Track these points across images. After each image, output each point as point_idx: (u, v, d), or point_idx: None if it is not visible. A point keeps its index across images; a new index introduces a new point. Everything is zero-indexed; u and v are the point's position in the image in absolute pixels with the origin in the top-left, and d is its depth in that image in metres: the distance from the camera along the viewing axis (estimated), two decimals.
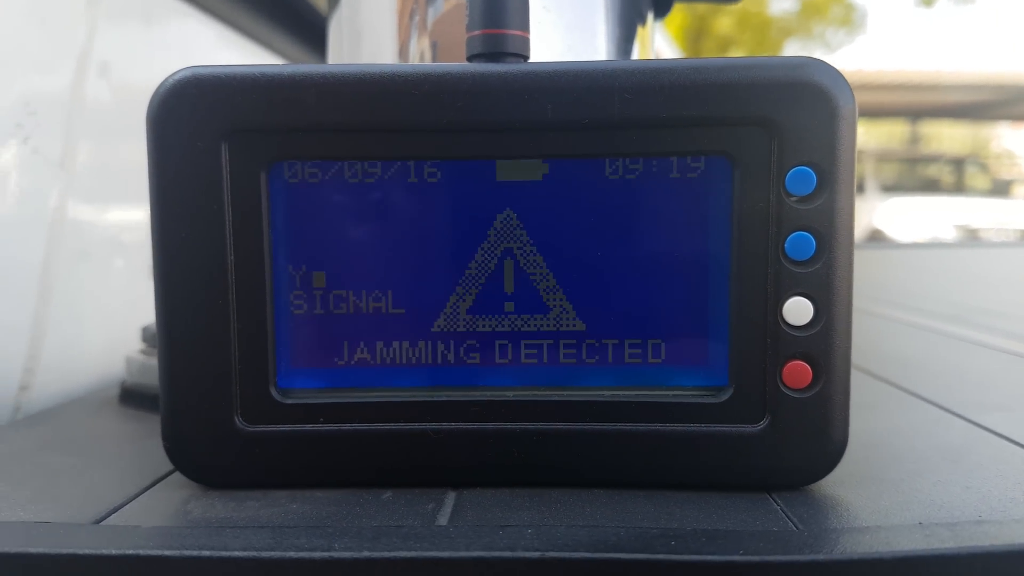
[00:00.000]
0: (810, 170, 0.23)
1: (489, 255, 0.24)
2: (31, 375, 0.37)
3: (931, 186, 8.65)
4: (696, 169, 0.23)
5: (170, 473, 0.26)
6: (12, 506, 0.23)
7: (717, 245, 0.24)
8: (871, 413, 0.33)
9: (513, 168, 0.24)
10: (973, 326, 0.62)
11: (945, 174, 8.96)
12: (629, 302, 0.24)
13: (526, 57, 0.25)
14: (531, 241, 0.24)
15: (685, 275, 0.24)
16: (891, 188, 8.51)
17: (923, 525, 0.21)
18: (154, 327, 0.35)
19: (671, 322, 0.24)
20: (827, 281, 0.23)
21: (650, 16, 0.37)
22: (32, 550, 0.19)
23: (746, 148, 0.23)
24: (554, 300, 0.24)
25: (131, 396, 0.35)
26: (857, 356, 0.44)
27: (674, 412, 0.24)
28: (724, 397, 0.24)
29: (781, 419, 0.23)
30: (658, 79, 0.23)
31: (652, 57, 0.37)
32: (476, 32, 0.24)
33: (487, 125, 0.23)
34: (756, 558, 0.18)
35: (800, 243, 0.23)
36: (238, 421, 0.24)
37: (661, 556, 0.19)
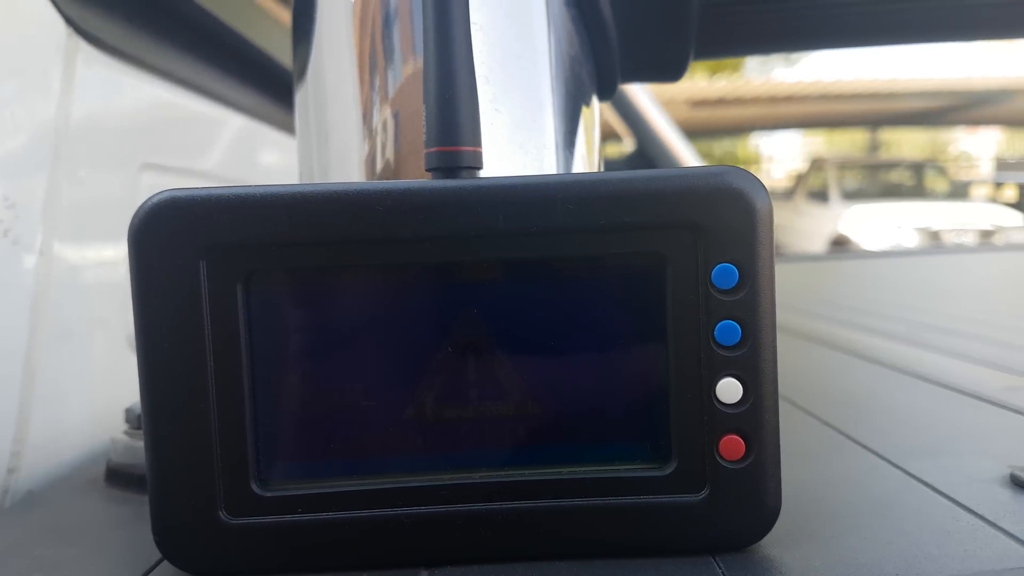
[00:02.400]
0: (733, 266, 0.25)
1: (452, 349, 0.27)
2: (18, 458, 0.39)
3: (892, 191, 8.83)
4: (634, 268, 0.26)
5: (160, 562, 0.27)
6: None
7: (655, 334, 0.26)
8: (811, 463, 0.35)
9: (471, 271, 0.26)
10: (923, 347, 0.65)
11: (905, 179, 9.16)
12: (580, 387, 0.27)
13: (479, 168, 0.27)
14: (489, 335, 0.27)
15: (628, 361, 0.26)
16: (853, 195, 8.66)
17: None
18: (137, 408, 0.37)
19: (618, 403, 0.27)
20: (753, 363, 0.25)
21: (594, 98, 0.40)
22: None
23: (675, 248, 0.25)
24: (512, 387, 0.27)
25: (117, 476, 0.36)
26: (804, 396, 0.47)
27: (624, 486, 0.26)
28: (668, 470, 0.26)
29: (719, 488, 0.26)
30: (595, 190, 0.25)
31: (596, 135, 0.40)
32: (433, 148, 0.27)
33: (446, 233, 0.26)
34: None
35: (727, 331, 0.25)
36: (222, 515, 0.26)
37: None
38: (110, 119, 0.49)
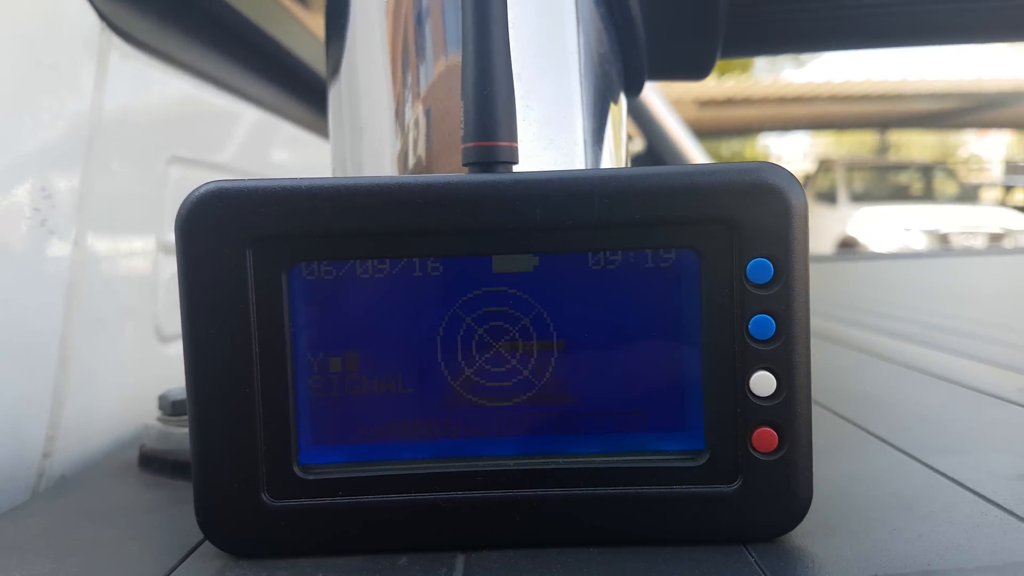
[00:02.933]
0: (768, 261, 0.26)
1: (490, 339, 0.27)
2: (52, 443, 0.40)
3: (901, 193, 8.80)
4: (668, 260, 0.27)
5: (200, 543, 0.28)
6: (51, 567, 0.25)
7: (689, 327, 0.27)
8: (836, 458, 0.36)
9: (507, 261, 0.27)
10: (937, 348, 0.66)
11: (915, 181, 9.12)
12: (614, 377, 0.27)
13: (515, 162, 0.28)
14: (526, 326, 0.27)
15: (663, 353, 0.27)
16: (861, 197, 8.63)
17: None
18: (171, 395, 0.37)
19: (652, 394, 0.27)
20: (787, 357, 0.26)
21: (622, 95, 0.40)
22: None
23: (711, 243, 0.26)
24: (548, 377, 0.27)
25: (150, 462, 0.37)
26: (825, 393, 0.48)
27: (658, 475, 0.27)
28: (701, 461, 0.27)
29: (752, 480, 0.26)
30: (631, 185, 0.26)
31: (623, 133, 0.41)
32: (470, 144, 0.27)
33: (483, 226, 0.26)
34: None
35: (761, 325, 0.26)
36: (264, 497, 0.26)
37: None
38: (140, 113, 0.50)
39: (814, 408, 0.45)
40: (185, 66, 0.55)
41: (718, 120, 9.05)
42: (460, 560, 0.26)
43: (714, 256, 0.26)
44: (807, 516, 0.27)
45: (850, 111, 9.14)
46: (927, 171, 9.25)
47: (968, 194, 9.17)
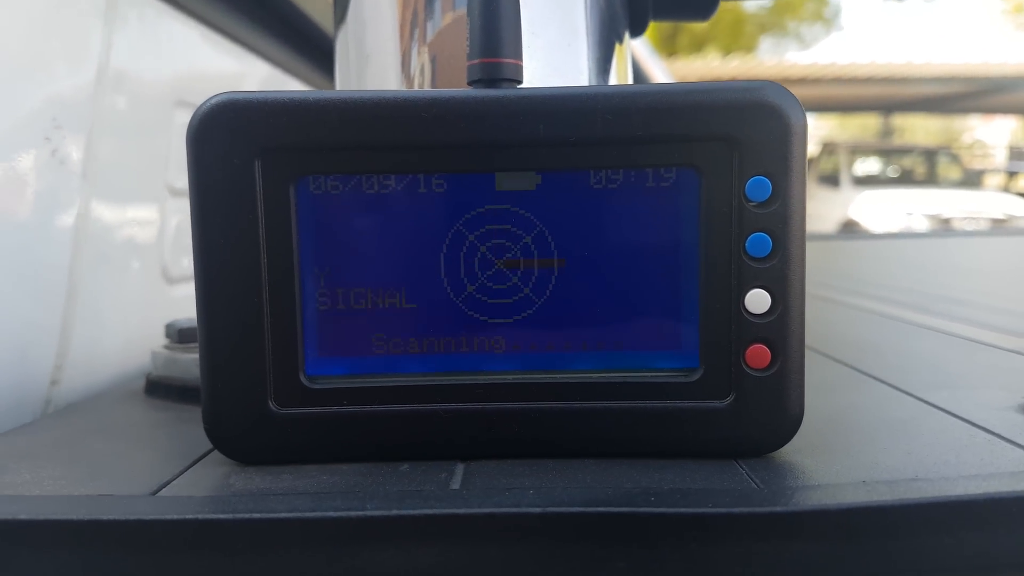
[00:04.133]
0: (766, 179, 0.26)
1: (491, 254, 0.28)
2: (60, 371, 0.40)
3: (904, 177, 8.77)
4: (668, 179, 0.27)
5: (208, 452, 0.29)
6: (73, 484, 0.26)
7: (687, 245, 0.27)
8: (830, 393, 0.36)
9: (510, 179, 0.27)
10: (934, 314, 0.66)
11: (918, 165, 9.08)
12: (613, 295, 0.28)
13: (519, 81, 0.28)
14: (527, 242, 0.28)
15: (660, 271, 0.27)
16: (864, 180, 8.61)
17: (866, 483, 0.24)
18: (177, 324, 0.38)
19: (649, 312, 0.28)
20: (782, 275, 0.26)
21: (626, 34, 0.40)
22: (102, 517, 0.22)
23: (711, 161, 0.26)
24: (548, 295, 0.28)
25: (157, 388, 0.38)
26: (821, 342, 0.48)
27: (652, 391, 0.27)
28: (695, 377, 0.27)
29: (744, 395, 0.27)
30: (634, 102, 0.26)
31: (629, 70, 0.41)
32: (475, 60, 0.28)
33: (487, 142, 0.26)
34: (722, 510, 0.22)
35: (758, 243, 0.26)
36: (271, 405, 0.27)
37: (643, 510, 0.22)
38: (148, 56, 0.50)
39: (810, 354, 0.46)
40: (193, 14, 0.55)
41: None
42: (459, 468, 0.27)
43: (714, 174, 0.26)
44: (799, 437, 0.28)
45: (854, 94, 9.09)
46: (931, 155, 9.21)
47: (971, 179, 9.14)
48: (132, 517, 0.22)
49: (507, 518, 0.22)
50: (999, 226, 7.47)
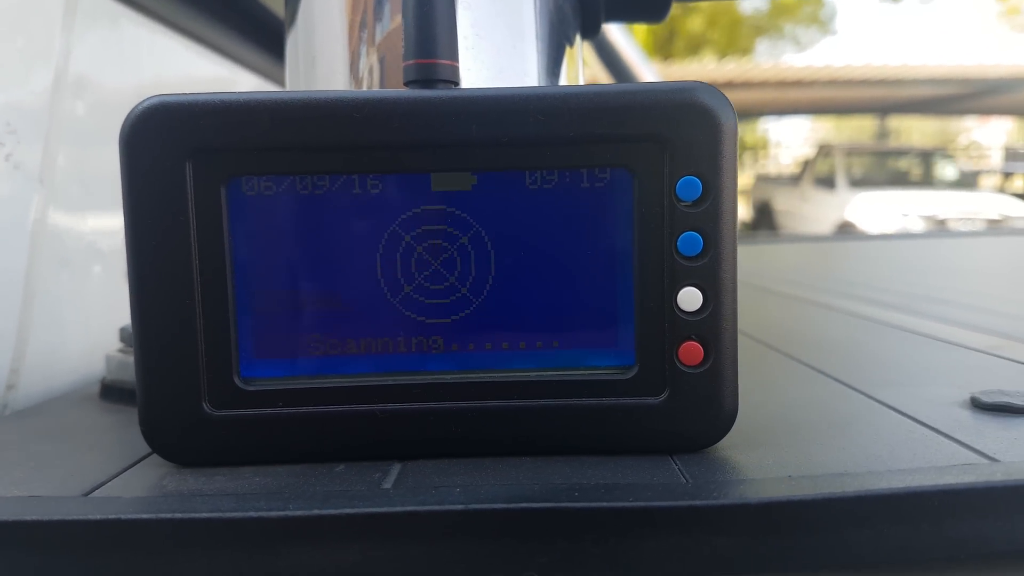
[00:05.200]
0: (697, 179, 0.26)
1: (426, 254, 0.28)
2: (17, 375, 0.40)
3: (900, 179, 8.78)
4: (602, 179, 0.27)
5: (148, 455, 0.29)
6: (6, 485, 0.26)
7: (622, 245, 0.27)
8: (781, 389, 0.37)
9: (446, 179, 0.27)
10: (911, 313, 0.66)
11: (914, 167, 9.09)
12: (549, 295, 0.28)
13: (456, 82, 0.28)
14: (462, 242, 0.28)
15: (596, 270, 0.28)
16: (860, 182, 8.61)
17: (791, 477, 0.24)
18: (131, 328, 0.38)
19: (585, 311, 0.28)
20: (713, 273, 0.27)
21: (578, 37, 0.41)
22: (27, 518, 0.22)
23: (643, 161, 0.27)
24: (485, 294, 0.28)
25: (111, 392, 0.38)
26: (784, 342, 0.48)
27: (589, 388, 0.27)
28: (631, 374, 0.27)
29: (678, 392, 0.27)
30: (566, 103, 0.26)
31: (580, 72, 0.41)
32: (411, 61, 0.28)
33: (422, 143, 0.27)
34: (642, 504, 0.22)
35: (689, 241, 0.26)
36: (206, 407, 0.27)
37: (564, 504, 0.22)
38: (108, 57, 0.50)
39: (770, 352, 0.46)
40: (156, 16, 0.55)
41: None
42: (395, 467, 0.27)
43: (646, 175, 0.27)
44: (737, 433, 0.28)
45: (850, 96, 9.11)
46: (926, 157, 9.22)
47: (967, 181, 9.16)
48: (57, 517, 0.22)
49: (430, 516, 0.22)
50: (994, 226, 7.48)
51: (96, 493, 0.25)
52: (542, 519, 0.22)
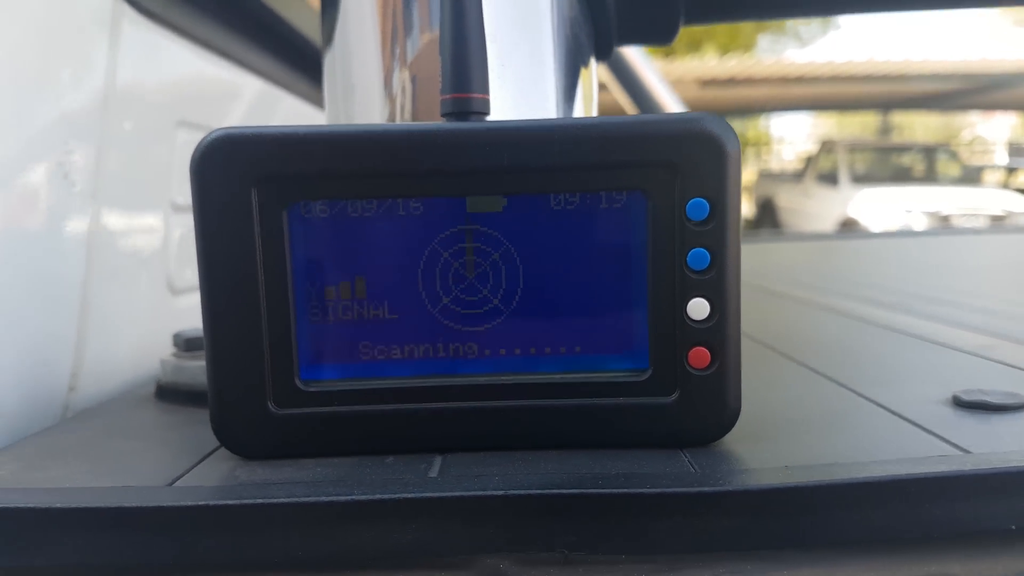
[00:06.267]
0: (704, 201, 0.30)
1: (464, 271, 0.31)
2: (76, 379, 0.44)
3: (903, 175, 8.77)
4: (619, 201, 0.30)
5: (215, 450, 0.32)
6: (100, 477, 0.29)
7: (637, 260, 0.31)
8: (775, 388, 0.40)
9: (479, 202, 0.31)
10: (907, 312, 0.70)
11: (917, 163, 9.08)
12: (572, 305, 0.31)
13: (487, 113, 0.32)
14: (496, 260, 0.31)
15: (613, 283, 0.31)
16: (863, 178, 8.59)
17: (787, 467, 0.28)
18: (185, 333, 0.42)
19: (604, 319, 0.31)
20: (720, 286, 0.30)
21: (592, 59, 0.44)
22: (126, 504, 0.26)
23: (656, 185, 0.30)
24: (514, 305, 0.31)
25: (166, 393, 0.41)
26: (783, 342, 0.52)
27: (607, 389, 0.31)
28: (645, 376, 0.31)
29: (688, 392, 0.30)
30: (587, 133, 0.30)
31: (595, 92, 0.44)
32: (447, 96, 0.31)
33: (458, 170, 0.30)
34: (657, 490, 0.26)
35: (698, 257, 0.30)
36: (271, 406, 0.30)
37: (589, 490, 0.26)
38: (150, 78, 0.53)
39: (769, 352, 0.49)
40: (192, 36, 0.58)
41: (720, 100, 9.01)
42: (438, 460, 0.30)
43: (658, 197, 0.30)
44: (741, 428, 0.31)
45: (853, 91, 9.10)
46: (930, 153, 9.20)
47: (971, 176, 9.14)
48: (152, 504, 0.26)
49: (474, 500, 0.26)
50: (998, 222, 7.47)
51: (178, 483, 0.29)
52: (569, 503, 0.26)
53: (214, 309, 0.30)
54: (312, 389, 0.31)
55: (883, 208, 7.97)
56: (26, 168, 0.41)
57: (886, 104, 9.95)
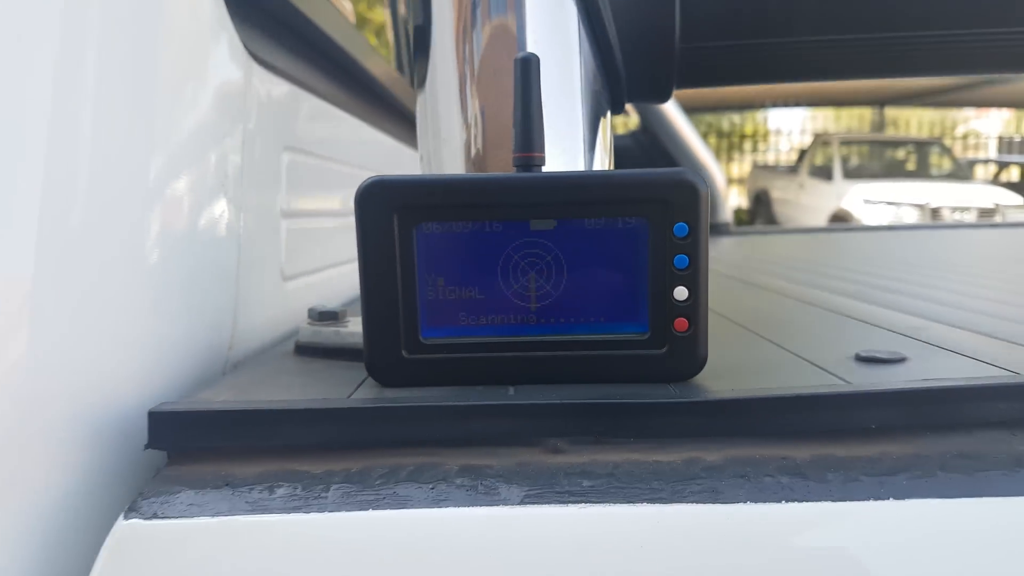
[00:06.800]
0: (685, 224, 0.46)
1: (528, 267, 0.48)
2: (233, 340, 0.60)
3: (896, 170, 8.90)
4: (630, 224, 0.47)
5: (363, 381, 0.49)
6: (294, 394, 0.46)
7: (641, 261, 0.47)
8: (733, 349, 0.57)
9: (539, 223, 0.47)
10: (860, 299, 0.86)
11: (910, 158, 9.21)
12: (600, 293, 0.48)
13: (543, 164, 0.48)
14: (551, 261, 0.48)
15: (627, 278, 0.48)
16: (856, 173, 8.70)
17: (733, 390, 0.45)
18: (317, 308, 0.58)
19: (620, 301, 0.48)
20: (695, 279, 0.47)
21: (608, 112, 0.61)
22: (329, 407, 0.43)
23: (654, 214, 0.47)
24: (561, 291, 0.48)
25: (304, 350, 0.58)
26: (744, 319, 0.69)
27: (621, 344, 0.48)
28: (645, 337, 0.47)
29: (673, 347, 0.47)
30: (610, 181, 0.46)
31: (609, 138, 0.61)
32: (518, 154, 0.48)
33: (525, 203, 0.47)
34: (653, 400, 0.42)
35: (681, 260, 0.46)
36: (403, 353, 0.47)
37: (611, 400, 0.43)
38: (267, 112, 0.70)
39: (732, 326, 0.66)
40: (296, 81, 0.75)
41: (718, 94, 9.14)
42: (511, 388, 0.47)
43: (656, 221, 0.47)
44: (708, 372, 0.48)
45: (848, 86, 9.24)
46: (923, 148, 9.34)
47: (963, 171, 9.29)
48: (345, 407, 0.43)
49: (539, 407, 0.43)
50: (987, 215, 7.61)
51: (352, 397, 0.45)
52: (599, 408, 0.43)
53: (368, 290, 0.47)
54: (430, 343, 0.47)
55: (875, 202, 8.07)
56: (196, 182, 0.58)
57: (881, 99, 10.10)
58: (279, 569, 0.38)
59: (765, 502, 0.39)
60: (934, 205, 7.61)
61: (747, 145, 11.71)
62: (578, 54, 0.58)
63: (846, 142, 9.05)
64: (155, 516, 0.38)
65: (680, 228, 0.46)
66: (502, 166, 0.57)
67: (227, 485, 0.40)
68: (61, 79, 0.42)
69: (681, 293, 0.47)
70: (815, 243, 2.20)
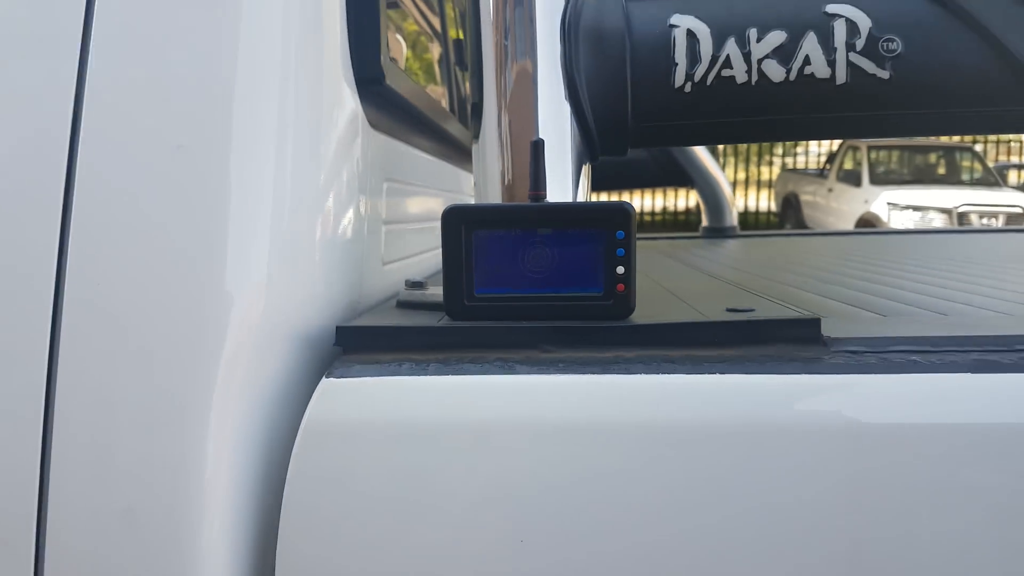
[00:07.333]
0: (623, 231, 0.84)
1: (533, 250, 0.86)
2: (360, 297, 0.99)
3: (925, 175, 9.03)
4: (594, 231, 0.85)
5: (442, 318, 0.87)
6: (399, 321, 0.85)
7: (598, 253, 0.85)
8: (663, 307, 0.94)
9: (543, 230, 0.85)
10: (777, 280, 1.22)
11: (939, 163, 9.33)
12: (574, 270, 0.86)
13: (545, 197, 0.86)
14: (547, 252, 0.86)
15: (592, 262, 0.85)
16: (885, 178, 8.84)
17: (642, 321, 0.82)
18: (411, 279, 0.98)
19: (586, 275, 0.86)
20: (628, 261, 0.84)
21: (587, 161, 0.99)
22: (433, 325, 0.81)
23: (607, 225, 0.84)
24: (553, 268, 0.86)
25: (404, 304, 0.97)
26: (684, 292, 1.06)
27: (587, 300, 0.85)
28: (601, 295, 0.85)
29: (616, 301, 0.84)
30: (585, 207, 0.84)
31: (587, 181, 0.99)
32: (531, 192, 0.86)
33: (534, 220, 0.85)
34: (605, 324, 0.80)
35: (621, 251, 0.84)
36: (465, 302, 0.85)
37: (578, 325, 0.80)
38: (374, 155, 1.09)
39: (667, 294, 1.04)
40: (391, 134, 1.14)
41: None
42: (526, 322, 0.85)
43: (608, 229, 0.84)
44: (635, 314, 0.85)
45: None
46: (952, 153, 9.45)
47: (992, 176, 9.36)
48: (439, 326, 0.81)
49: (540, 330, 0.81)
50: (1015, 221, 7.73)
51: (439, 324, 0.84)
52: (574, 330, 0.81)
53: (448, 266, 0.85)
54: (479, 296, 0.86)
55: (901, 206, 8.20)
56: (342, 201, 0.97)
57: None
58: (412, 404, 0.77)
59: (652, 374, 0.76)
60: (961, 210, 7.73)
61: (778, 149, 11.90)
62: (569, 128, 0.97)
63: (875, 147, 9.22)
64: (343, 376, 0.77)
65: (620, 233, 0.84)
66: (522, 197, 0.95)
67: (376, 363, 0.79)
68: (293, 151, 0.82)
69: (620, 270, 0.84)
70: (812, 245, 2.52)
